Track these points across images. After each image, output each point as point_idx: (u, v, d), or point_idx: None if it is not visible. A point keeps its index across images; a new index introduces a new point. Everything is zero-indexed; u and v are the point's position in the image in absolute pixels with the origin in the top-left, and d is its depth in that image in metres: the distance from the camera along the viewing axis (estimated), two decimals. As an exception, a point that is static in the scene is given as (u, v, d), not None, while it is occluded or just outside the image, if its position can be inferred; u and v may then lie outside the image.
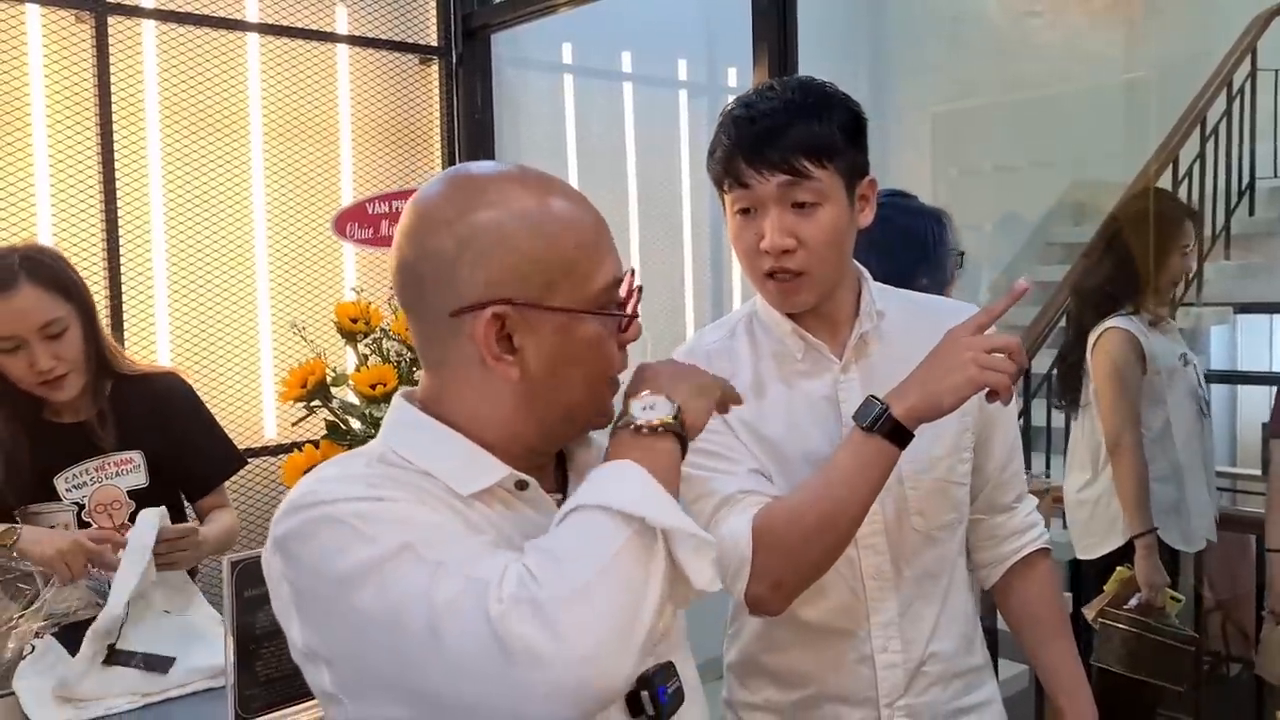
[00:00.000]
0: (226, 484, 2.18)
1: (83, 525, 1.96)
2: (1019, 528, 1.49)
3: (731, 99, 1.37)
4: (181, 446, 2.04)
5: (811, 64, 3.24)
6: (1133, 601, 2.56)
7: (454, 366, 0.92)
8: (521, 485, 0.93)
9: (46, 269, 1.89)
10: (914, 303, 1.46)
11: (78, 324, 1.91)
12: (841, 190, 1.30)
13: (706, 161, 1.37)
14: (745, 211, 1.31)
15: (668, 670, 0.96)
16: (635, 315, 0.94)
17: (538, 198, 0.92)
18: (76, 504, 1.97)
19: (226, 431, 2.20)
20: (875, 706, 1.36)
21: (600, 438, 1.02)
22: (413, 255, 0.92)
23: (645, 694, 0.93)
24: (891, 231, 1.77)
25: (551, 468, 0.99)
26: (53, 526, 1.93)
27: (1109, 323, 2.62)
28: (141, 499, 1.98)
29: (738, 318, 1.45)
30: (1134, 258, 2.64)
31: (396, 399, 0.98)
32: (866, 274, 1.41)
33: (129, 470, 2.00)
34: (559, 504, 0.95)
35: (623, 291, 0.95)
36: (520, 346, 0.90)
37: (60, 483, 1.96)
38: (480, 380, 0.92)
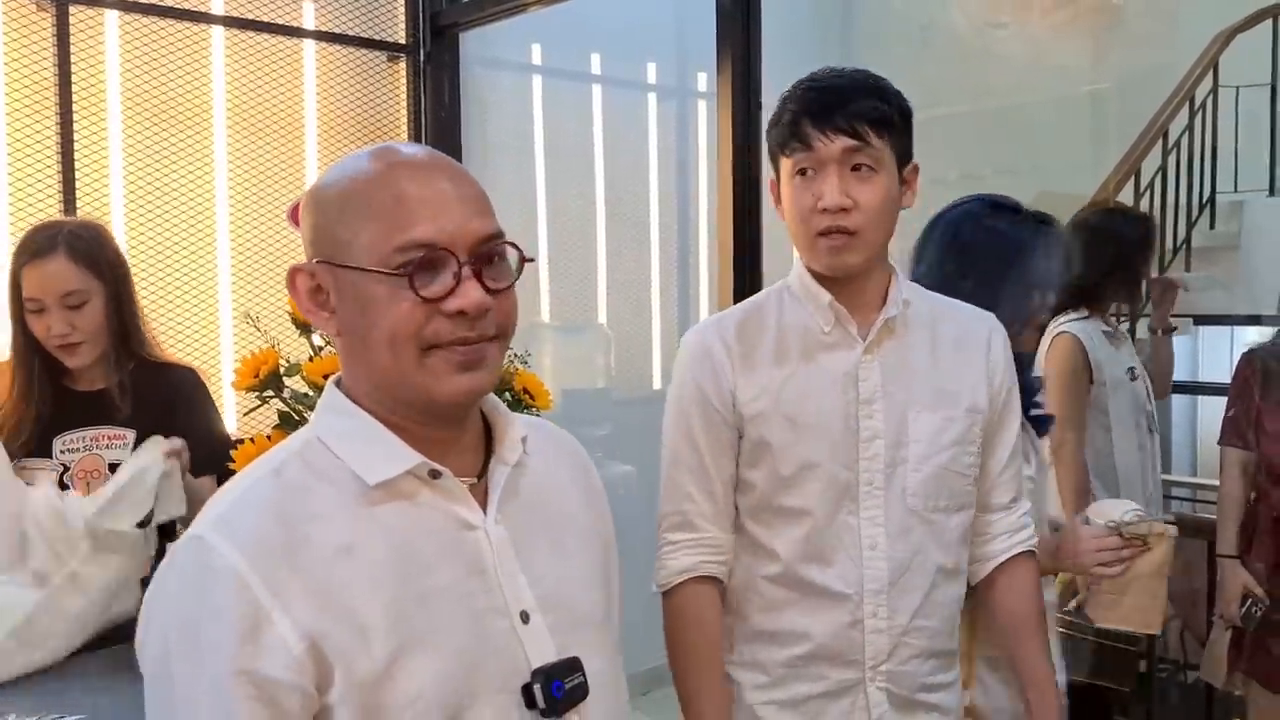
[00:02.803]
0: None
1: (62, 487, 2.00)
2: (1011, 528, 1.56)
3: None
4: (171, 434, 2.04)
5: (779, 70, 3.25)
6: (1073, 604, 2.59)
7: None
8: (435, 474, 0.94)
9: (84, 244, 2.02)
10: (939, 300, 1.55)
11: (101, 299, 2.02)
12: (894, 164, 1.41)
13: (767, 133, 1.46)
14: (803, 173, 1.40)
15: (570, 664, 0.97)
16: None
17: (361, 166, 0.95)
18: (64, 465, 2.03)
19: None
20: (861, 669, 1.44)
21: (524, 416, 1.03)
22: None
23: (537, 687, 0.94)
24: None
25: (470, 448, 1.00)
26: (30, 484, 1.97)
27: (1061, 325, 2.65)
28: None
29: (768, 291, 1.53)
30: (1101, 263, 2.66)
31: (328, 382, 1.00)
32: (898, 269, 1.50)
33: (118, 445, 2.04)
34: (472, 489, 0.97)
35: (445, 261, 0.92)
36: (333, 304, 0.94)
37: (58, 443, 2.03)
38: (336, 344, 0.98)
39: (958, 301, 1.58)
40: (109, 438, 2.05)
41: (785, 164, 1.42)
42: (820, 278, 1.45)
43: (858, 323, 1.45)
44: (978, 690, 1.77)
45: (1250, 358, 2.47)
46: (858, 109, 1.37)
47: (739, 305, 1.54)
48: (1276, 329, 2.50)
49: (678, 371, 1.51)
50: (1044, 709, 1.51)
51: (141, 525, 1.88)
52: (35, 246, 2.00)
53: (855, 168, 1.37)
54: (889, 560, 1.43)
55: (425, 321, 0.91)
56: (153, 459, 1.90)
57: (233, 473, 2.06)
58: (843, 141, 1.36)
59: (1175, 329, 2.73)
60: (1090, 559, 1.70)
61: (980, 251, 1.76)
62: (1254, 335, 4.65)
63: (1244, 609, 2.37)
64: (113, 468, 2.02)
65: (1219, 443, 2.53)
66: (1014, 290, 1.76)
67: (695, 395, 1.47)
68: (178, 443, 1.95)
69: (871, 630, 1.43)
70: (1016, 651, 1.55)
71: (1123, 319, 2.80)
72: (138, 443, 2.02)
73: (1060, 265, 1.87)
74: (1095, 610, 1.83)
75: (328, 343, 1.94)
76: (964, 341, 1.50)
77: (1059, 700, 1.53)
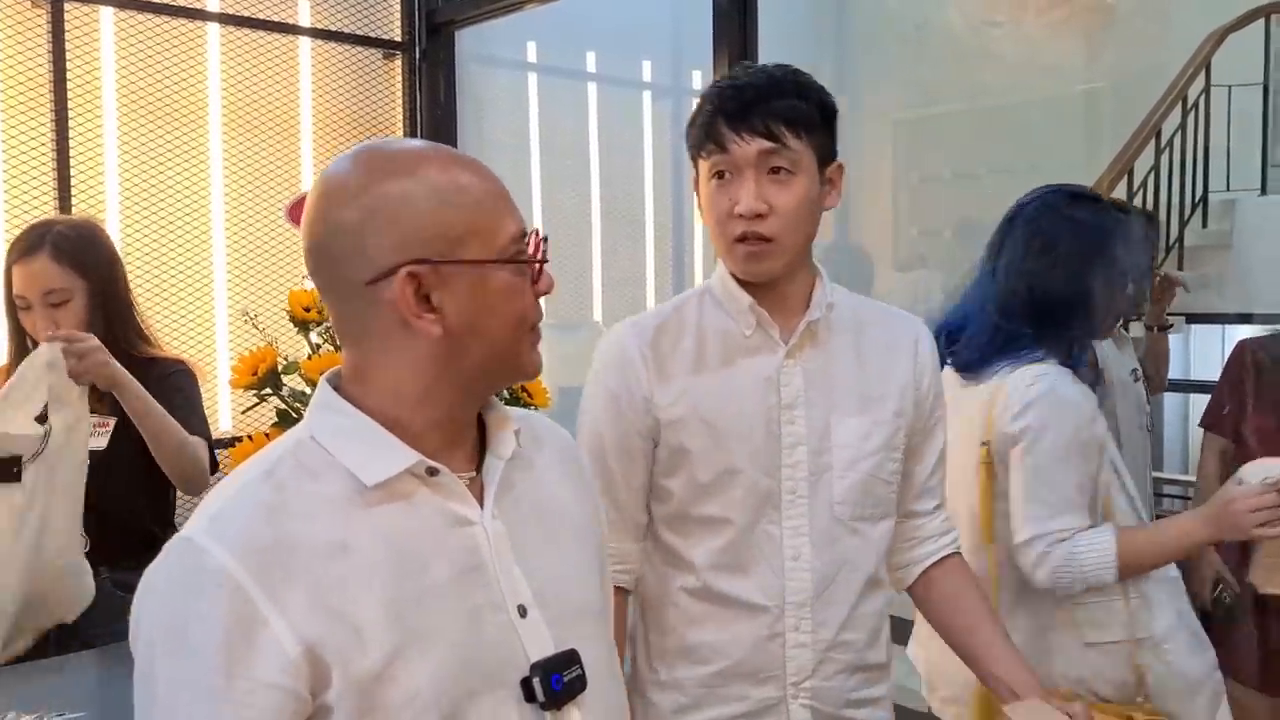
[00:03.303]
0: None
1: None
2: (937, 531, 1.52)
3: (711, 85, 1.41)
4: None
5: (774, 67, 3.26)
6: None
7: (374, 338, 0.94)
8: (433, 471, 0.94)
9: (70, 243, 2.03)
10: (865, 303, 1.50)
11: (84, 299, 2.04)
12: (814, 165, 1.35)
13: (686, 131, 1.40)
14: (720, 176, 1.35)
15: (568, 657, 0.97)
16: (545, 261, 0.98)
17: (438, 165, 0.95)
18: None
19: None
20: (781, 685, 1.39)
21: (517, 410, 1.04)
22: (322, 232, 0.93)
23: (536, 680, 0.94)
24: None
25: (468, 444, 1.00)
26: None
27: None
28: (98, 460, 2.02)
29: (690, 293, 1.48)
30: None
31: (321, 379, 0.99)
32: (823, 271, 1.45)
33: (101, 432, 2.05)
34: (470, 484, 0.97)
35: (530, 247, 0.98)
36: (439, 304, 0.92)
37: None
38: (402, 346, 0.93)
39: (883, 304, 1.53)
40: (95, 425, 2.06)
41: (702, 166, 1.38)
42: (742, 280, 1.41)
43: (780, 326, 1.40)
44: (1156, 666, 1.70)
45: (1244, 347, 2.45)
46: (774, 108, 1.32)
47: (659, 307, 1.48)
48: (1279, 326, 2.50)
49: (591, 375, 1.46)
50: (1024, 683, 1.42)
51: (40, 421, 1.86)
52: (23, 245, 2.03)
53: (773, 170, 1.33)
54: (813, 571, 1.38)
55: (533, 304, 0.98)
56: (37, 353, 1.88)
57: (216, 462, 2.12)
58: (759, 144, 1.32)
59: (1171, 325, 2.72)
60: (1248, 520, 1.59)
61: (1065, 244, 1.74)
62: (1245, 334, 4.67)
63: (1214, 595, 2.37)
64: (92, 454, 2.02)
65: (1200, 424, 2.52)
66: (1104, 280, 1.74)
67: (607, 400, 1.41)
68: (75, 334, 1.92)
69: (794, 645, 1.38)
70: (972, 640, 1.46)
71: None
72: (118, 428, 2.04)
73: (1147, 253, 1.84)
74: (1259, 575, 1.70)
75: (325, 340, 1.94)
76: (891, 345, 1.46)
77: (1036, 678, 1.45)
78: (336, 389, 0.97)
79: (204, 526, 0.89)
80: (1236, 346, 2.47)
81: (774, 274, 1.38)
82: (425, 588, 0.91)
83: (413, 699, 0.88)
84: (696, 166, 1.40)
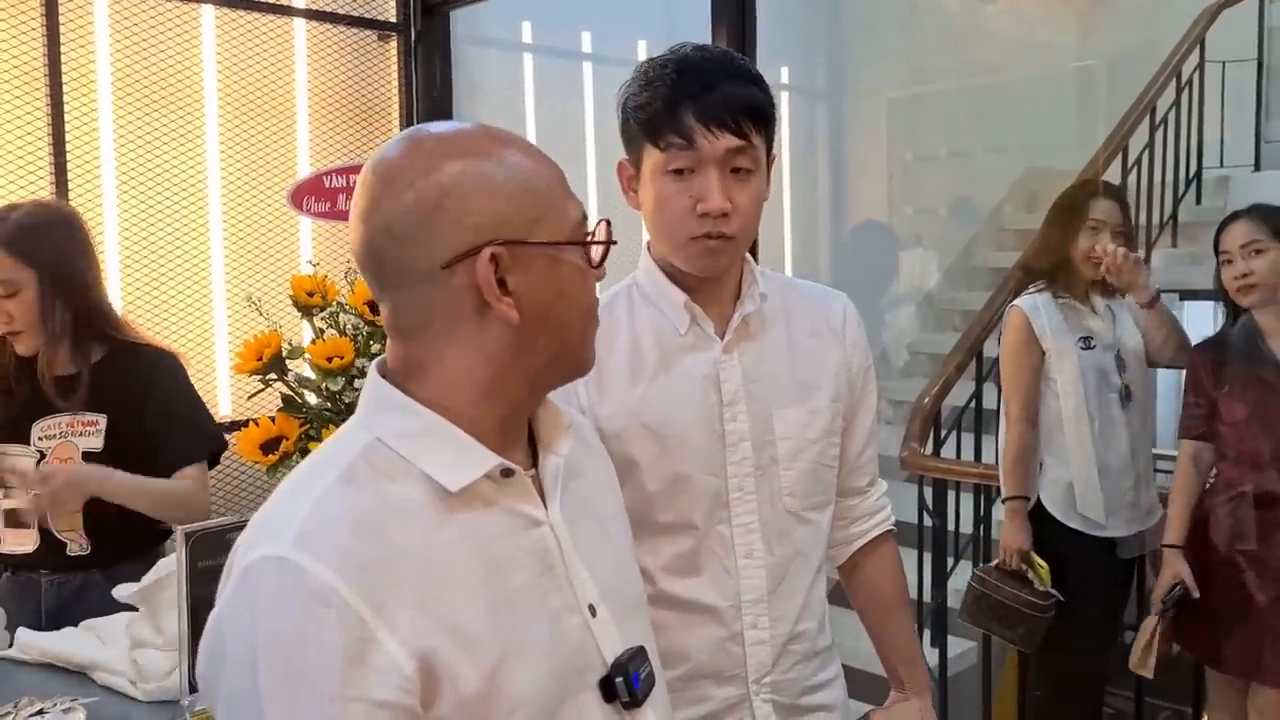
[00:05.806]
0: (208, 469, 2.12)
1: None
2: (869, 510, 1.51)
3: (643, 60, 1.34)
4: (151, 422, 2.03)
5: (770, 47, 3.26)
6: (993, 561, 2.68)
7: (438, 328, 0.90)
8: (506, 473, 0.91)
9: (21, 232, 1.96)
10: (791, 287, 1.47)
11: (35, 288, 1.96)
12: (765, 161, 1.32)
13: (633, 114, 1.31)
14: (678, 172, 1.28)
15: (640, 655, 0.96)
16: (614, 242, 0.95)
17: (503, 146, 0.92)
18: (40, 452, 2.01)
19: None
20: (744, 684, 1.37)
21: (564, 405, 1.01)
22: (385, 219, 0.89)
23: (620, 680, 0.93)
24: None
25: (524, 440, 0.97)
26: (13, 471, 1.99)
27: (1017, 299, 2.72)
28: (94, 462, 1.99)
29: (616, 290, 1.44)
30: (1051, 237, 2.71)
31: (374, 376, 0.94)
32: (748, 255, 1.40)
33: (91, 432, 2.01)
34: (533, 480, 0.95)
35: (600, 231, 0.95)
36: (514, 288, 0.89)
37: (36, 429, 2.01)
38: (470, 336, 0.90)
39: (808, 283, 1.50)
40: (83, 424, 2.01)
41: (656, 156, 1.29)
42: (673, 275, 1.36)
43: (714, 319, 1.36)
44: None
45: (1201, 349, 2.52)
46: (741, 98, 1.26)
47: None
48: (1225, 317, 2.54)
49: None
50: (916, 682, 1.49)
51: None
52: None
53: (735, 169, 1.27)
54: (767, 567, 1.36)
55: (594, 290, 0.96)
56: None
57: (216, 456, 2.11)
58: (727, 140, 1.25)
59: (1155, 300, 2.69)
60: None
61: None
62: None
63: (1169, 592, 2.44)
64: (86, 456, 1.99)
65: (1179, 436, 2.57)
66: None
67: None
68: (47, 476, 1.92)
69: (753, 642, 1.36)
70: (883, 630, 1.52)
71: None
72: (109, 428, 2.00)
73: None
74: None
75: (329, 325, 1.95)
76: (820, 329, 1.43)
77: (927, 675, 1.52)
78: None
79: (292, 543, 0.82)
80: (1194, 349, 2.54)
81: (726, 270, 1.35)
82: (513, 594, 0.89)
83: (514, 711, 0.86)
84: (639, 151, 1.31)
